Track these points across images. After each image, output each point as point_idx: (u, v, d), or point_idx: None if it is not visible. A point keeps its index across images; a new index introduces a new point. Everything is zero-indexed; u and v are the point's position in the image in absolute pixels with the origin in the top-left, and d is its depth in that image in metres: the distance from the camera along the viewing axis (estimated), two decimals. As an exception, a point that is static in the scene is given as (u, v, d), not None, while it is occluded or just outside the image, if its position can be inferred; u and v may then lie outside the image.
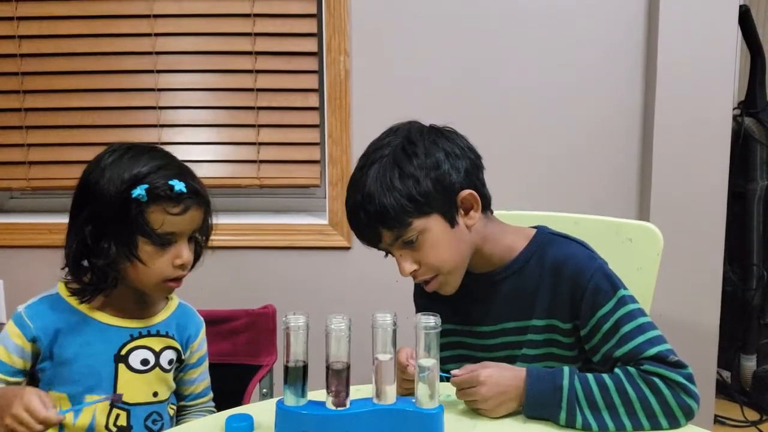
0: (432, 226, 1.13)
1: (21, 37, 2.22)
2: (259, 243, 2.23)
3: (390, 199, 1.10)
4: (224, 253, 2.25)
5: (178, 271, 1.20)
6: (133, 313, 1.26)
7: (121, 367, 1.22)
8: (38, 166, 2.29)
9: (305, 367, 0.96)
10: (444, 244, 1.14)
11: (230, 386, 1.40)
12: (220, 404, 1.36)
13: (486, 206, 1.20)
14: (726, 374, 2.67)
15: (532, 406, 1.07)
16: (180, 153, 2.26)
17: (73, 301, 1.23)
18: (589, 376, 1.07)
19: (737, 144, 2.47)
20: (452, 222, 1.15)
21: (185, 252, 1.20)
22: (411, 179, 1.11)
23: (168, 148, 2.17)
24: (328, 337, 0.94)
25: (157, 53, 2.22)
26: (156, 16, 2.20)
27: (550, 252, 1.19)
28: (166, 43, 2.22)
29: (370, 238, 1.16)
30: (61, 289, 1.25)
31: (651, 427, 1.05)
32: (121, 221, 1.14)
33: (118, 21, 2.21)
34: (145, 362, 1.24)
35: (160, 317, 1.28)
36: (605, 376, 1.07)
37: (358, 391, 1.02)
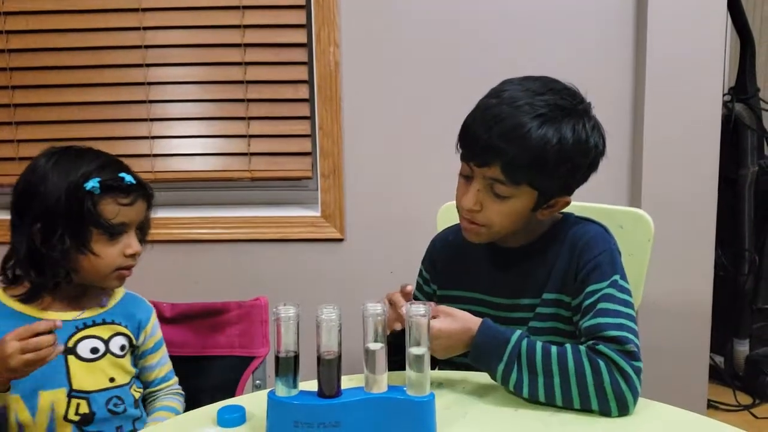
0: (525, 197, 1.15)
1: (8, 32, 2.21)
2: (251, 236, 2.22)
3: (532, 157, 1.09)
4: (216, 246, 2.25)
5: (129, 260, 1.27)
6: (77, 306, 1.29)
7: (71, 358, 1.26)
8: (28, 162, 2.28)
9: (296, 358, 0.96)
10: (515, 215, 1.16)
11: (223, 378, 1.41)
12: (214, 396, 1.36)
13: None
14: (719, 359, 2.69)
15: (476, 353, 1.09)
16: (170, 147, 2.29)
17: (12, 304, 1.26)
18: (539, 342, 1.08)
19: (728, 130, 2.48)
20: (536, 206, 1.17)
21: (134, 242, 1.28)
22: (559, 158, 1.10)
23: (158, 142, 2.24)
24: (319, 328, 0.95)
25: (146, 47, 2.21)
26: (144, 9, 2.19)
27: (571, 231, 1.22)
28: (155, 36, 2.21)
29: (476, 155, 1.14)
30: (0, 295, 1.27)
31: (581, 405, 1.04)
32: (73, 215, 1.20)
33: (106, 15, 2.20)
34: (94, 350, 1.28)
35: (105, 307, 1.32)
36: (553, 346, 1.07)
37: (351, 381, 1.03)
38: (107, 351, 1.29)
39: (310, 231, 2.24)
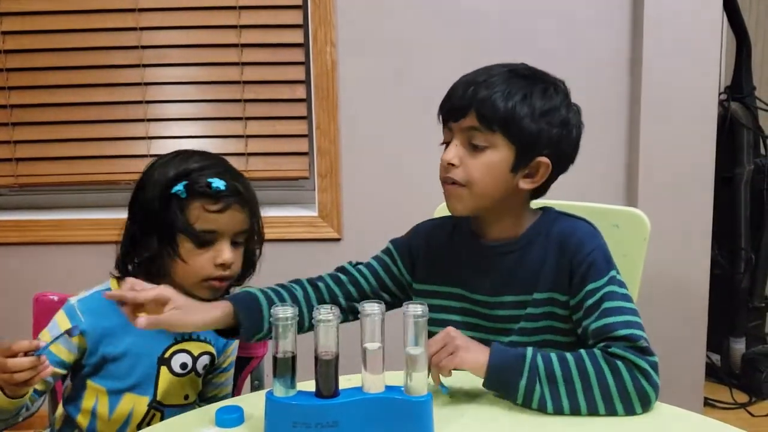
0: (502, 150, 1.15)
1: (4, 33, 2.21)
2: (249, 236, 2.23)
3: (503, 104, 1.13)
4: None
5: (220, 270, 1.20)
6: None
7: (163, 369, 1.23)
8: (25, 163, 2.29)
9: (294, 358, 0.96)
10: (493, 172, 1.16)
11: (222, 379, 1.41)
12: (212, 397, 1.37)
13: (538, 194, 1.23)
14: (715, 357, 2.70)
15: (494, 373, 1.07)
16: (167, 147, 2.28)
17: None
18: (552, 353, 1.07)
19: (724, 129, 2.48)
20: (515, 167, 1.17)
21: (226, 251, 1.20)
22: (529, 109, 1.14)
23: (155, 142, 2.24)
24: (316, 328, 0.95)
25: (143, 47, 2.21)
26: (141, 10, 2.19)
27: (557, 227, 1.21)
28: (152, 37, 2.21)
29: (454, 111, 1.19)
30: (113, 286, 1.25)
31: (606, 410, 1.04)
32: (162, 217, 1.17)
33: (102, 15, 2.20)
34: (183, 366, 1.25)
35: None
36: (567, 353, 1.07)
37: (348, 381, 1.03)
38: (193, 369, 1.25)
39: (307, 231, 2.24)
